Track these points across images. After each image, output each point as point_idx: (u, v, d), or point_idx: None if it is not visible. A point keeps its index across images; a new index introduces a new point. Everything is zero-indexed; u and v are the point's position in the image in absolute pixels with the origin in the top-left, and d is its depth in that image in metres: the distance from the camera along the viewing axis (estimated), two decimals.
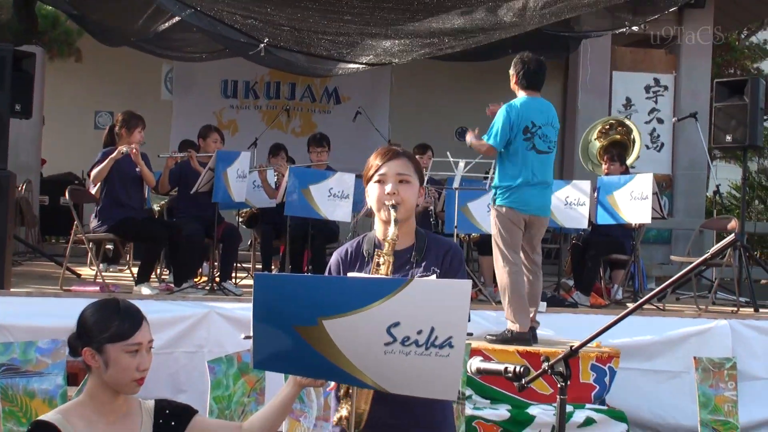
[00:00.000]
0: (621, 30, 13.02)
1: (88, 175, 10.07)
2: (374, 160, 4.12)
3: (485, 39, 11.63)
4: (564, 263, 12.75)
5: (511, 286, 8.47)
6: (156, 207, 12.27)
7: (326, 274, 4.21)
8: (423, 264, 4.06)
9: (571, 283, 11.63)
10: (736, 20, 18.23)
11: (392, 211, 3.95)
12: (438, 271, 4.06)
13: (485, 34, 11.54)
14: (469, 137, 8.89)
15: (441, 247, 4.14)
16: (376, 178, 4.07)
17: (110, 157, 9.62)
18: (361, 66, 12.95)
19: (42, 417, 3.65)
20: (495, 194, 8.64)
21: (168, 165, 10.52)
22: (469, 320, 3.29)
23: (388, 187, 4.01)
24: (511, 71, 8.74)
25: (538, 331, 8.74)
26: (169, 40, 12.90)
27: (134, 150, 9.69)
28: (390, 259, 3.93)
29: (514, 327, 8.50)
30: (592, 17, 13.16)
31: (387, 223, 4.03)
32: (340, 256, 4.19)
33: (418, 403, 3.64)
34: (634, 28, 12.74)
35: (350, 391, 3.75)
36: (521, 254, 8.66)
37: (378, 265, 3.95)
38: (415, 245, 4.11)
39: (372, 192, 4.09)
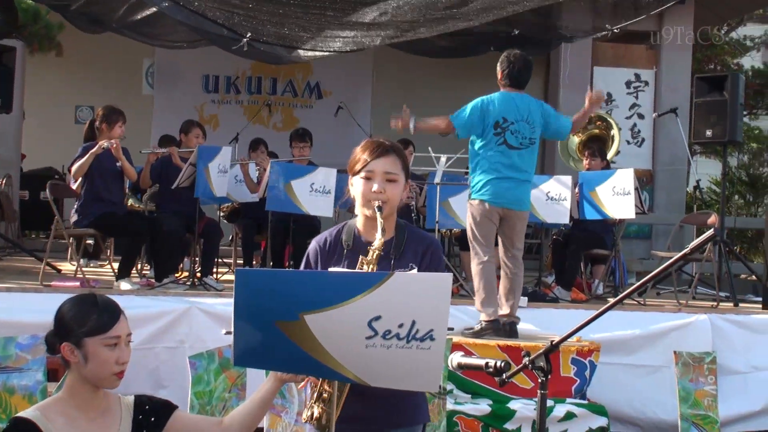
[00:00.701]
0: (603, 33, 13.00)
1: (69, 170, 10.04)
2: (362, 154, 4.07)
3: (463, 22, 11.60)
4: (545, 258, 12.76)
5: (480, 277, 8.58)
6: (137, 205, 12.18)
7: (304, 261, 4.19)
8: (402, 259, 4.06)
9: (551, 279, 11.65)
10: (716, 16, 18.26)
11: (378, 213, 3.94)
12: (416, 267, 4.06)
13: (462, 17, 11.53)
14: (404, 120, 8.88)
15: (420, 242, 4.13)
16: (363, 174, 4.04)
17: (91, 152, 9.59)
18: (333, 52, 12.91)
19: (21, 413, 3.64)
20: (470, 187, 8.71)
21: (149, 160, 10.50)
22: None
23: (375, 186, 4.00)
24: (498, 68, 8.78)
25: (519, 326, 8.76)
26: (151, 27, 12.84)
27: (114, 145, 9.66)
28: (374, 267, 3.90)
29: (483, 317, 8.60)
30: (574, 22, 13.16)
31: (369, 218, 4.04)
32: (318, 244, 4.18)
33: (390, 394, 3.63)
34: (615, 29, 12.72)
35: (324, 395, 3.75)
36: (500, 249, 8.69)
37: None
38: (394, 240, 4.10)
39: (357, 186, 4.07)
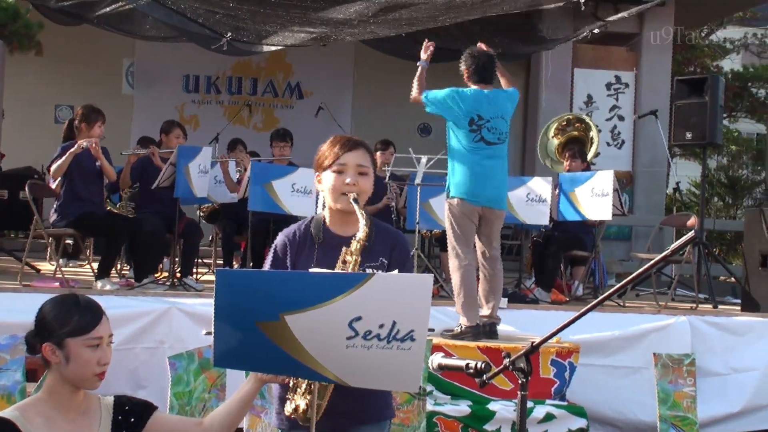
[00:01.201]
0: (584, 35, 13.03)
1: (48, 170, 10.01)
2: (333, 148, 4.11)
3: (451, 19, 11.65)
4: (524, 259, 12.78)
5: (461, 280, 8.53)
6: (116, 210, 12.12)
7: (271, 255, 4.20)
8: (371, 252, 4.08)
9: (530, 281, 11.66)
10: (696, 18, 18.34)
11: (355, 205, 3.98)
12: (386, 261, 4.11)
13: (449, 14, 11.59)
14: (428, 57, 9.10)
15: (388, 237, 4.17)
16: (335, 167, 4.07)
17: (69, 151, 9.55)
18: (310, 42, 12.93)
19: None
20: (447, 187, 8.69)
21: (129, 161, 10.47)
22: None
23: (349, 179, 4.04)
24: (462, 66, 8.80)
25: (499, 327, 8.76)
26: (131, 23, 12.79)
27: (94, 144, 9.63)
28: (357, 258, 3.95)
29: (464, 321, 8.58)
30: (554, 25, 13.18)
31: (341, 212, 4.09)
32: (287, 237, 4.19)
33: (363, 389, 3.63)
34: (595, 31, 12.75)
35: (312, 386, 3.75)
36: (478, 251, 8.69)
37: (344, 262, 3.96)
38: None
39: (328, 180, 4.09)
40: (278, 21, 11.59)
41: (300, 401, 3.80)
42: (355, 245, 3.95)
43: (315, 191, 10.18)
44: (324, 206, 4.24)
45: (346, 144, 4.11)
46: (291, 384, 3.85)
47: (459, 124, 8.52)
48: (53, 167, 9.67)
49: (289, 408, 3.86)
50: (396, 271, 4.00)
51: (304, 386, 3.80)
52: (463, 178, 8.51)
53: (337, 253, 4.02)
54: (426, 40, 9.12)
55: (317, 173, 4.19)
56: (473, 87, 8.66)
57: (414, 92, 8.90)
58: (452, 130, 8.65)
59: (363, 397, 3.84)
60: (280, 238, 4.21)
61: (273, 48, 12.98)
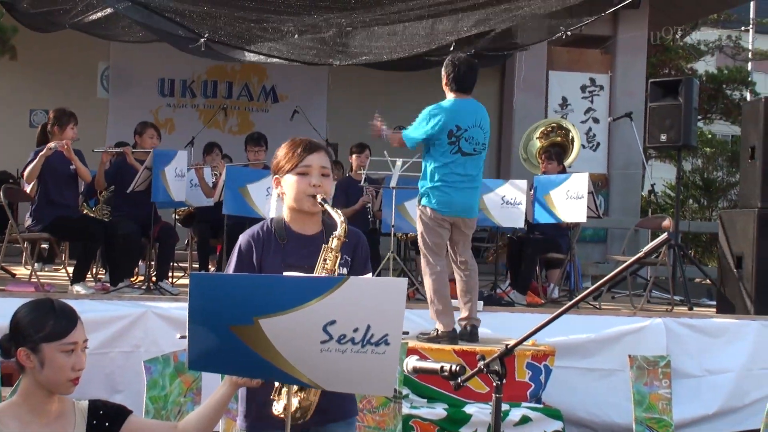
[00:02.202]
0: (558, 35, 13.07)
1: (22, 175, 9.98)
2: (295, 151, 4.15)
3: (425, 45, 11.72)
4: (499, 257, 12.74)
5: (433, 288, 8.52)
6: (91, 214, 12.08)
7: (236, 255, 4.20)
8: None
9: (506, 284, 11.66)
10: (671, 21, 18.41)
11: (326, 205, 4.03)
12: (350, 259, 4.16)
13: (425, 42, 11.66)
14: (379, 126, 9.00)
15: (351, 236, 4.16)
16: (299, 169, 4.10)
17: (40, 155, 9.54)
18: (296, 62, 12.95)
19: None
20: (420, 194, 8.65)
21: (103, 161, 10.46)
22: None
23: (314, 180, 4.08)
24: (443, 72, 8.70)
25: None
26: (107, 25, 12.74)
27: (65, 146, 9.60)
28: (337, 255, 3.99)
29: (440, 327, 8.57)
30: (528, 28, 13.21)
31: (302, 213, 4.14)
32: (251, 238, 4.20)
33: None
34: (568, 32, 12.79)
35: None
36: (450, 255, 8.69)
37: (324, 260, 3.99)
38: (324, 232, 4.17)
39: (290, 183, 4.12)
40: (261, 33, 11.62)
41: (293, 400, 3.80)
42: (334, 242, 3.99)
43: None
44: (276, 209, 4.28)
45: (308, 146, 4.17)
46: (277, 384, 3.85)
47: (439, 138, 8.48)
48: (26, 172, 9.65)
49: (278, 408, 3.85)
50: (365, 271, 4.14)
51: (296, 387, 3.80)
52: (436, 189, 8.48)
53: (303, 252, 4.09)
54: (375, 117, 9.11)
55: (276, 176, 4.21)
56: (451, 96, 8.61)
57: (395, 144, 8.93)
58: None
59: (332, 394, 3.84)
60: (244, 238, 4.21)
61: (253, 58, 13.01)
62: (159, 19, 11.08)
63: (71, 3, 11.68)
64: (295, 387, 3.79)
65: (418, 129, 8.53)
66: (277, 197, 4.37)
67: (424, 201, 8.55)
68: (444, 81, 8.67)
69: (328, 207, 4.02)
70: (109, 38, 14.21)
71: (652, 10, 16.33)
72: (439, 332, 8.56)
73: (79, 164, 9.84)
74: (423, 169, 8.67)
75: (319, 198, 4.04)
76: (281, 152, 4.21)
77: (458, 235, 8.63)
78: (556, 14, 12.17)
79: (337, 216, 3.98)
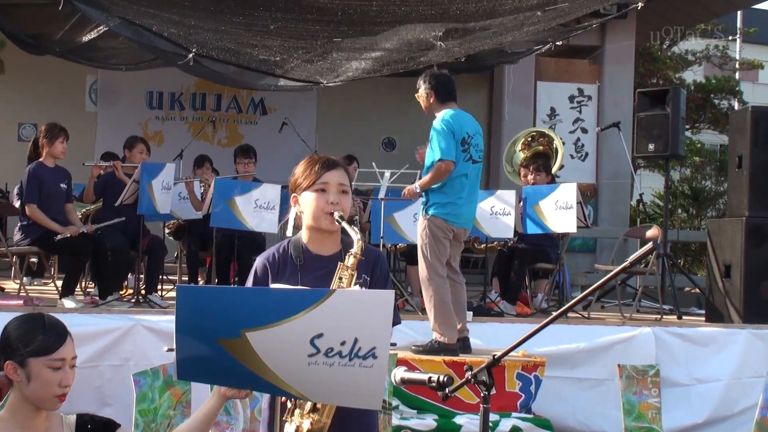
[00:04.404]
0: (546, 47, 13.11)
1: (20, 200, 9.97)
2: (313, 168, 4.09)
3: (413, 64, 11.75)
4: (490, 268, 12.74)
5: (438, 297, 8.38)
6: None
7: (252, 278, 4.17)
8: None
9: (495, 294, 11.65)
10: (658, 31, 18.47)
11: (343, 222, 3.99)
12: (369, 279, 4.10)
13: (413, 59, 11.68)
14: (409, 189, 8.79)
15: (370, 255, 4.13)
16: (316, 186, 4.04)
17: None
18: (289, 82, 12.97)
19: None
20: (427, 203, 8.48)
21: (93, 175, 10.48)
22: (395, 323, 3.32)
23: (332, 197, 4.02)
24: (425, 89, 8.53)
25: None
26: (94, 50, 12.77)
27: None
28: (353, 273, 3.93)
29: (442, 339, 8.42)
30: (516, 40, 13.23)
31: (320, 231, 4.08)
32: (267, 260, 4.15)
33: (362, 412, 3.67)
34: (558, 42, 12.83)
35: (318, 405, 3.72)
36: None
37: (340, 279, 3.93)
38: (342, 251, 4.09)
39: (308, 200, 4.06)
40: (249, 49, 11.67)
41: (304, 422, 3.75)
42: (350, 260, 3.93)
43: (278, 207, 10.17)
44: (294, 227, 4.24)
45: (326, 163, 4.10)
46: (289, 405, 3.81)
47: (456, 147, 8.36)
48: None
49: (289, 430, 3.79)
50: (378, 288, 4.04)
51: (308, 406, 3.74)
52: (448, 199, 8.39)
53: (319, 273, 4.03)
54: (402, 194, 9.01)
55: (294, 194, 4.16)
56: (442, 108, 8.49)
57: (439, 176, 8.36)
58: None
59: (348, 416, 3.81)
60: (260, 261, 4.17)
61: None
62: (149, 35, 11.07)
63: (60, 23, 11.70)
64: (307, 407, 3.75)
65: (445, 144, 8.27)
66: (294, 216, 4.31)
67: (433, 211, 8.40)
68: (432, 96, 8.52)
69: (345, 224, 3.97)
70: (95, 66, 14.23)
71: (639, 20, 16.37)
72: (441, 344, 8.42)
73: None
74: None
75: (336, 215, 3.99)
76: (299, 170, 4.15)
77: (454, 247, 8.61)
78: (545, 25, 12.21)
79: (354, 234, 3.93)
